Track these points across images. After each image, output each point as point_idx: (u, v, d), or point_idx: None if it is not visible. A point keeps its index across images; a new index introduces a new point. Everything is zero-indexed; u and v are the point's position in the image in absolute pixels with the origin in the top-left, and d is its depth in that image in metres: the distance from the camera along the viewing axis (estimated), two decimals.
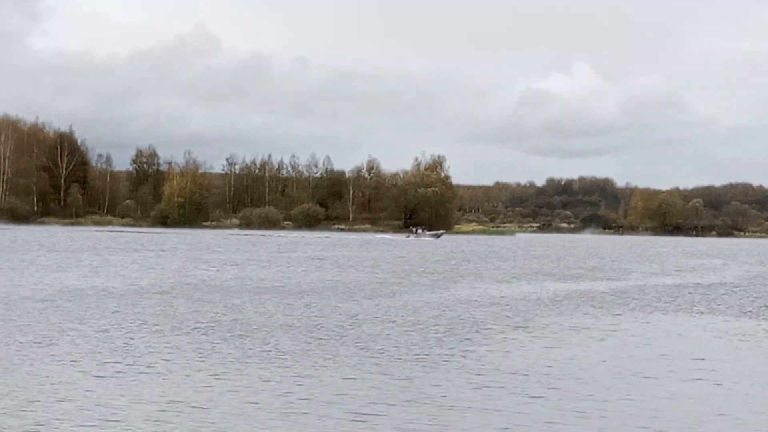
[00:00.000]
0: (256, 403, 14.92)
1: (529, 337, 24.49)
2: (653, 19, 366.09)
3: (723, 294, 41.78)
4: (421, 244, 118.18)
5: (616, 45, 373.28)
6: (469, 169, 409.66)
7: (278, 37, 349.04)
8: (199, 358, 19.48)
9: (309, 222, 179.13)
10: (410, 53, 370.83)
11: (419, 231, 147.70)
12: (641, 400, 16.02)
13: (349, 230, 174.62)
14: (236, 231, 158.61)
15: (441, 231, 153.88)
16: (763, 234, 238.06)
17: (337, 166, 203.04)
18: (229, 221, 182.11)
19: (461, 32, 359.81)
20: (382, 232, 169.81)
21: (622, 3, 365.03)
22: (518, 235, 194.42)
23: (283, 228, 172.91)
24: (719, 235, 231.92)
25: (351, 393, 15.93)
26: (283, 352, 20.57)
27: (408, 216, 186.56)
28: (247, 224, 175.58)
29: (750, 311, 33.58)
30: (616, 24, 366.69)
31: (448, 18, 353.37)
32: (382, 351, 21.01)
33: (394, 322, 27.12)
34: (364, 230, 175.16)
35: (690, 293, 41.50)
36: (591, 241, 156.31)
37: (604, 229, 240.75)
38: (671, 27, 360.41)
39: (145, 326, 24.50)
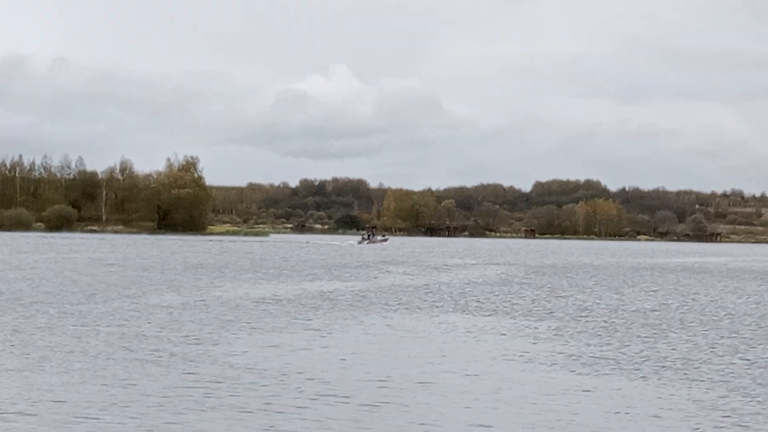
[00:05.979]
0: None
1: (261, 338, 26.06)
2: (408, 23, 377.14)
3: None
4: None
5: (374, 48, 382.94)
6: (223, 171, 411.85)
7: (37, 37, 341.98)
8: None
9: (61, 223, 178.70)
10: (170, 55, 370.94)
11: (370, 237, 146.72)
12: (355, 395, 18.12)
13: (102, 231, 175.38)
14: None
15: (387, 237, 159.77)
16: (513, 234, 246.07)
17: (93, 167, 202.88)
18: None
19: (219, 34, 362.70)
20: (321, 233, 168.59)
21: (375, 5, 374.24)
22: (272, 236, 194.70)
23: (35, 230, 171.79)
24: (471, 235, 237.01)
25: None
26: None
27: (162, 218, 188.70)
28: None
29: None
30: (372, 27, 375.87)
31: (207, 20, 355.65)
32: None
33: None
34: (117, 231, 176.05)
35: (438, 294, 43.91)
36: (341, 241, 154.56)
37: (358, 230, 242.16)
38: (426, 30, 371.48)
39: None
